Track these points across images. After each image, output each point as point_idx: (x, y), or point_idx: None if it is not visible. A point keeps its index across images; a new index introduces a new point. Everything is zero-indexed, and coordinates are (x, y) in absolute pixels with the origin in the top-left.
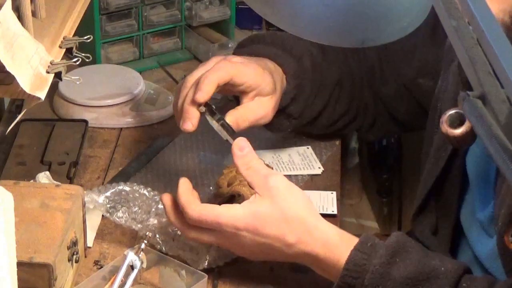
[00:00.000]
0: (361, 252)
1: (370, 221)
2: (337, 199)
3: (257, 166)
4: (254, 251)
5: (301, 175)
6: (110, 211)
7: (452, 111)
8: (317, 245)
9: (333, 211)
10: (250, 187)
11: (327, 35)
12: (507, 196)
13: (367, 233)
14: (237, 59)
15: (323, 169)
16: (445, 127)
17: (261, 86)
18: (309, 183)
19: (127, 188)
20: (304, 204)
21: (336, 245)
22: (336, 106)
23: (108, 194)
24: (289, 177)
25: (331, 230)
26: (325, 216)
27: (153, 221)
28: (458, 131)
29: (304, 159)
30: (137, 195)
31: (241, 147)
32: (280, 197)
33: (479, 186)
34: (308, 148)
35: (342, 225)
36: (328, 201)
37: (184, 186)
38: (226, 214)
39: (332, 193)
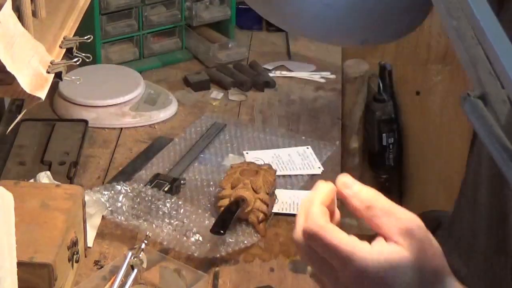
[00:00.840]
0: None
1: None
2: (337, 199)
3: (380, 205)
4: None
5: (301, 175)
6: (111, 210)
7: None
8: None
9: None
10: (376, 231)
11: (327, 35)
12: None
13: None
14: None
15: (323, 169)
16: None
17: None
18: (309, 183)
19: (127, 188)
20: (443, 258)
21: None
22: None
23: (108, 193)
24: (289, 177)
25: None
26: None
27: (153, 220)
28: None
29: (304, 159)
30: (137, 194)
31: (346, 184)
32: (422, 249)
33: None
34: (308, 148)
35: (342, 226)
36: None
37: (324, 193)
38: (361, 250)
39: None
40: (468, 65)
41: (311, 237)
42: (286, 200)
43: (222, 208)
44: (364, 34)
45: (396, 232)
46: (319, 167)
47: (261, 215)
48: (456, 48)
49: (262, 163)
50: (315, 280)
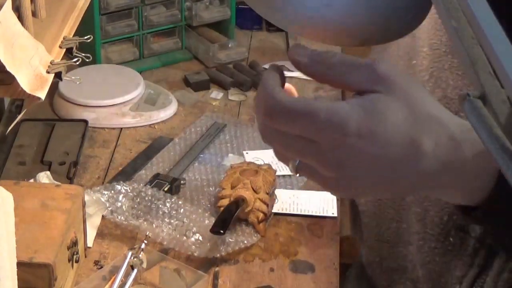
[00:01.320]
0: None
1: None
2: (337, 200)
3: (339, 60)
4: (363, 173)
5: None
6: (110, 210)
7: None
8: (464, 151)
9: (333, 214)
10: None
11: (326, 35)
12: None
13: None
14: None
15: None
16: None
17: None
18: (309, 183)
19: (127, 188)
20: (430, 97)
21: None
22: None
23: (108, 193)
24: (289, 177)
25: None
26: (325, 218)
27: (153, 220)
28: None
29: None
30: (137, 194)
31: (298, 52)
32: (401, 88)
33: None
34: None
35: (342, 225)
36: (328, 202)
37: (273, 74)
38: (328, 108)
39: None
40: (468, 65)
41: (276, 116)
42: (286, 200)
43: (222, 208)
44: (364, 34)
45: (372, 82)
46: None
47: (261, 215)
48: (456, 48)
49: (262, 163)
50: (300, 172)
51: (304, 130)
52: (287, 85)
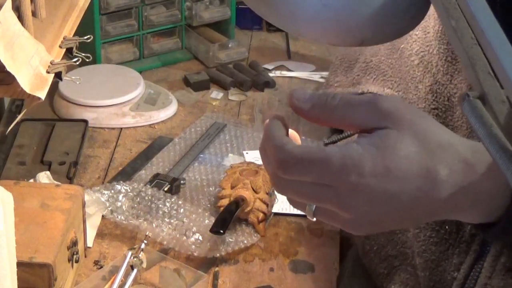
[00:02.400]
0: None
1: None
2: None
3: (343, 102)
4: (382, 211)
5: None
6: (110, 209)
7: None
8: (478, 173)
9: None
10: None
11: (326, 35)
12: None
13: None
14: None
15: None
16: None
17: None
18: None
19: (127, 187)
20: (437, 123)
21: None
22: None
23: (108, 193)
24: None
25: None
26: None
27: (153, 219)
28: None
29: None
30: (137, 194)
31: (298, 98)
32: (408, 121)
33: None
34: None
35: None
36: None
37: (276, 123)
38: (341, 153)
39: None
40: (467, 65)
41: (290, 168)
42: (286, 200)
43: (222, 208)
44: (363, 34)
45: (378, 118)
46: None
47: (260, 215)
48: (455, 48)
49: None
50: (319, 218)
51: (319, 178)
52: (291, 132)
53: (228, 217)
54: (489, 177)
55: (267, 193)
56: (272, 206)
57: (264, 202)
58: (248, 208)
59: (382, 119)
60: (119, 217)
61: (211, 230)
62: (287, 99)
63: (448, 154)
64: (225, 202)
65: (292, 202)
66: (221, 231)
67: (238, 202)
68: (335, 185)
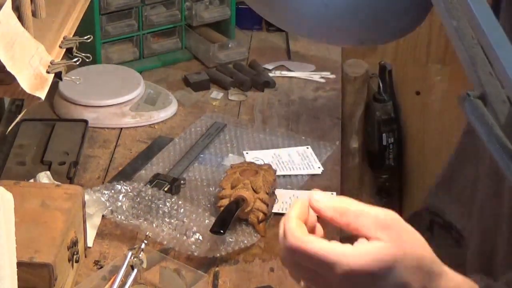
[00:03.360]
0: None
1: None
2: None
3: (354, 208)
4: None
5: (301, 175)
6: (111, 209)
7: None
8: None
9: None
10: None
11: (326, 35)
12: None
13: (485, 279)
14: None
15: (322, 169)
16: None
17: None
18: (309, 183)
19: (127, 187)
20: (427, 247)
21: None
22: None
23: (108, 193)
24: (289, 177)
25: (457, 278)
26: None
27: (153, 219)
28: None
29: (304, 159)
30: (137, 194)
31: (316, 199)
32: (403, 239)
33: None
34: (308, 148)
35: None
36: None
37: (298, 209)
38: (338, 253)
39: (332, 193)
40: (468, 65)
41: (293, 251)
42: (286, 200)
43: (222, 208)
44: (363, 34)
45: (374, 228)
46: (319, 167)
47: (261, 215)
48: (456, 48)
49: (262, 163)
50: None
51: (322, 272)
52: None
53: (228, 217)
54: None
55: (267, 193)
56: (272, 206)
57: (264, 202)
58: (248, 208)
59: (380, 230)
60: (119, 217)
61: (211, 230)
62: (310, 202)
63: (426, 274)
64: (225, 202)
65: (291, 274)
66: (221, 231)
67: (238, 202)
68: (329, 278)
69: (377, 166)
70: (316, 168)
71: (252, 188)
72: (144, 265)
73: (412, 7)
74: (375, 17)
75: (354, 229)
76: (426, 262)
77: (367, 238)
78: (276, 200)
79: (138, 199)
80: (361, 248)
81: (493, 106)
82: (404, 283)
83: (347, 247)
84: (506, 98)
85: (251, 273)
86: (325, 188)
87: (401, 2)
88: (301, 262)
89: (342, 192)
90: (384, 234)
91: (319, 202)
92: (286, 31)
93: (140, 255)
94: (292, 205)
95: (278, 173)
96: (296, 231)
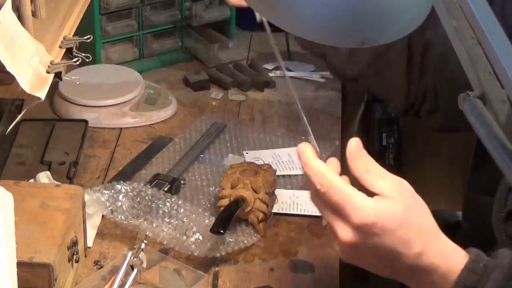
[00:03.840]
0: (472, 273)
1: None
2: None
3: (377, 168)
4: (366, 253)
5: (301, 175)
6: (111, 209)
7: None
8: (439, 258)
9: None
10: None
11: (327, 35)
12: None
13: (477, 251)
14: None
15: None
16: None
17: None
18: (309, 183)
19: (127, 187)
20: (430, 215)
21: (456, 261)
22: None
23: (108, 193)
24: (289, 177)
25: (452, 244)
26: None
27: (153, 219)
28: None
29: None
30: (137, 194)
31: (358, 147)
32: (413, 202)
33: None
34: None
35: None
36: None
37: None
38: (356, 203)
39: None
40: (468, 65)
41: (320, 191)
42: (286, 200)
43: (222, 208)
44: (364, 34)
45: (390, 191)
46: None
47: (261, 215)
48: (456, 48)
49: (262, 163)
50: (328, 229)
51: (339, 216)
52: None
53: (228, 217)
54: (446, 267)
55: (267, 193)
56: (272, 206)
57: (264, 202)
58: (248, 208)
59: (393, 192)
60: (119, 216)
61: (211, 230)
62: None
63: (427, 235)
64: (225, 202)
65: (315, 203)
66: (221, 231)
67: (238, 202)
68: (347, 218)
69: None
70: None
71: (252, 188)
72: (144, 265)
73: (412, 7)
74: (375, 17)
75: (372, 186)
76: (428, 226)
77: (382, 197)
78: (276, 200)
79: (138, 199)
80: (379, 204)
81: (493, 106)
82: (408, 239)
83: (367, 200)
84: (506, 98)
85: (251, 273)
86: None
87: (401, 2)
88: (327, 201)
89: None
90: (399, 196)
91: (356, 152)
92: (286, 31)
93: (140, 255)
94: (327, 162)
95: (278, 173)
96: (327, 171)
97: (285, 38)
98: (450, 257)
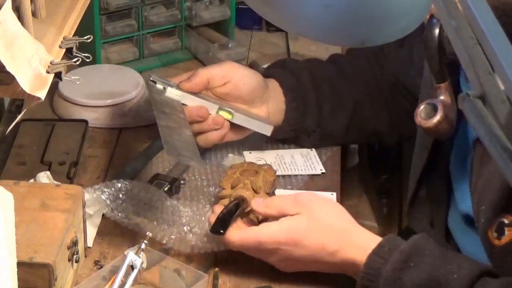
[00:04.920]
0: (378, 256)
1: (369, 221)
2: (337, 200)
3: (280, 198)
4: (296, 263)
5: (301, 175)
6: (111, 208)
7: (425, 103)
8: (355, 251)
9: None
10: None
11: (327, 35)
12: (487, 192)
13: (390, 236)
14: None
15: (324, 171)
16: (418, 119)
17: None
18: (309, 183)
19: (127, 185)
20: (339, 212)
21: (371, 249)
22: (363, 120)
23: (108, 191)
24: (288, 177)
25: (367, 235)
26: None
27: (153, 219)
28: (432, 122)
29: (307, 160)
30: (137, 193)
31: (260, 203)
32: (314, 209)
33: (458, 179)
34: (312, 150)
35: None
36: None
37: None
38: (266, 233)
39: (332, 194)
40: (468, 65)
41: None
42: None
43: (222, 208)
44: (364, 34)
45: (293, 207)
46: (321, 169)
47: (260, 215)
48: (456, 48)
49: (263, 163)
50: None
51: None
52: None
53: (228, 217)
54: (364, 258)
55: (267, 193)
56: None
57: None
58: (249, 208)
59: (298, 207)
60: (119, 215)
61: (211, 230)
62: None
63: (339, 234)
64: (225, 202)
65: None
66: (222, 231)
67: (238, 203)
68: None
69: (377, 166)
70: (318, 170)
71: (252, 188)
72: (144, 265)
73: (412, 7)
74: (375, 17)
75: (281, 214)
76: (341, 224)
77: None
78: None
79: (138, 198)
80: (282, 225)
81: (493, 106)
82: (321, 243)
83: (272, 225)
84: (506, 98)
85: (251, 273)
86: (325, 189)
87: (401, 2)
88: (249, 250)
89: (342, 192)
90: (301, 209)
91: (260, 206)
92: (286, 31)
93: (140, 255)
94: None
95: (279, 173)
96: (233, 230)
97: (285, 38)
98: (366, 247)
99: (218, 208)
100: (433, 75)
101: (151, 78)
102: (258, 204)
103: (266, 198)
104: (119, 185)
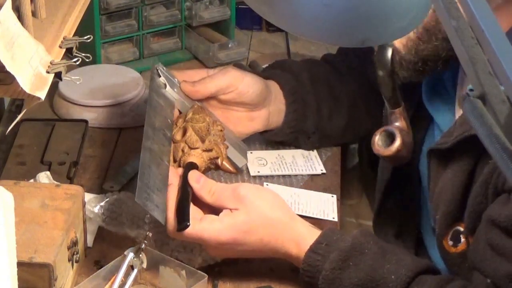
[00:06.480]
0: (315, 253)
1: (370, 221)
2: (337, 200)
3: (219, 187)
4: (237, 254)
5: (301, 175)
6: (106, 221)
7: (381, 131)
8: (291, 245)
9: (333, 218)
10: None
11: (327, 35)
12: (440, 202)
13: (328, 228)
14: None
15: (324, 171)
16: (376, 148)
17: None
18: (309, 183)
19: (122, 197)
20: (276, 205)
21: (306, 244)
22: (359, 120)
23: (103, 204)
24: (289, 177)
25: (303, 229)
26: (324, 221)
27: (148, 227)
28: (391, 150)
29: (308, 161)
30: (131, 204)
31: (197, 179)
32: (252, 205)
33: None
34: (313, 150)
35: (342, 225)
36: (328, 205)
37: (170, 201)
38: (208, 231)
39: (332, 196)
40: (468, 65)
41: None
42: (287, 199)
43: (176, 202)
44: (364, 34)
45: (233, 203)
46: (322, 170)
47: (223, 153)
48: (456, 48)
49: (265, 163)
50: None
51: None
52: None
53: (185, 206)
54: (298, 251)
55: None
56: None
57: (210, 150)
58: (205, 164)
59: (237, 202)
60: (115, 226)
61: (179, 229)
62: (188, 177)
63: (274, 227)
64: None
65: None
66: (187, 223)
67: (187, 191)
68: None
69: (377, 166)
70: (318, 170)
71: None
72: (144, 265)
73: (412, 7)
74: (375, 17)
75: (221, 205)
76: (281, 218)
77: (231, 210)
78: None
79: (133, 207)
80: (224, 223)
81: (493, 106)
82: (260, 238)
83: (215, 224)
84: (506, 98)
85: (251, 273)
86: (324, 189)
87: (401, 2)
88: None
89: (342, 192)
90: (239, 205)
91: (197, 183)
92: (286, 31)
93: (140, 255)
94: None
95: (280, 173)
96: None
97: (285, 38)
98: (301, 242)
99: (171, 203)
100: (386, 101)
101: (157, 67)
102: (198, 186)
103: (207, 180)
104: (114, 197)
